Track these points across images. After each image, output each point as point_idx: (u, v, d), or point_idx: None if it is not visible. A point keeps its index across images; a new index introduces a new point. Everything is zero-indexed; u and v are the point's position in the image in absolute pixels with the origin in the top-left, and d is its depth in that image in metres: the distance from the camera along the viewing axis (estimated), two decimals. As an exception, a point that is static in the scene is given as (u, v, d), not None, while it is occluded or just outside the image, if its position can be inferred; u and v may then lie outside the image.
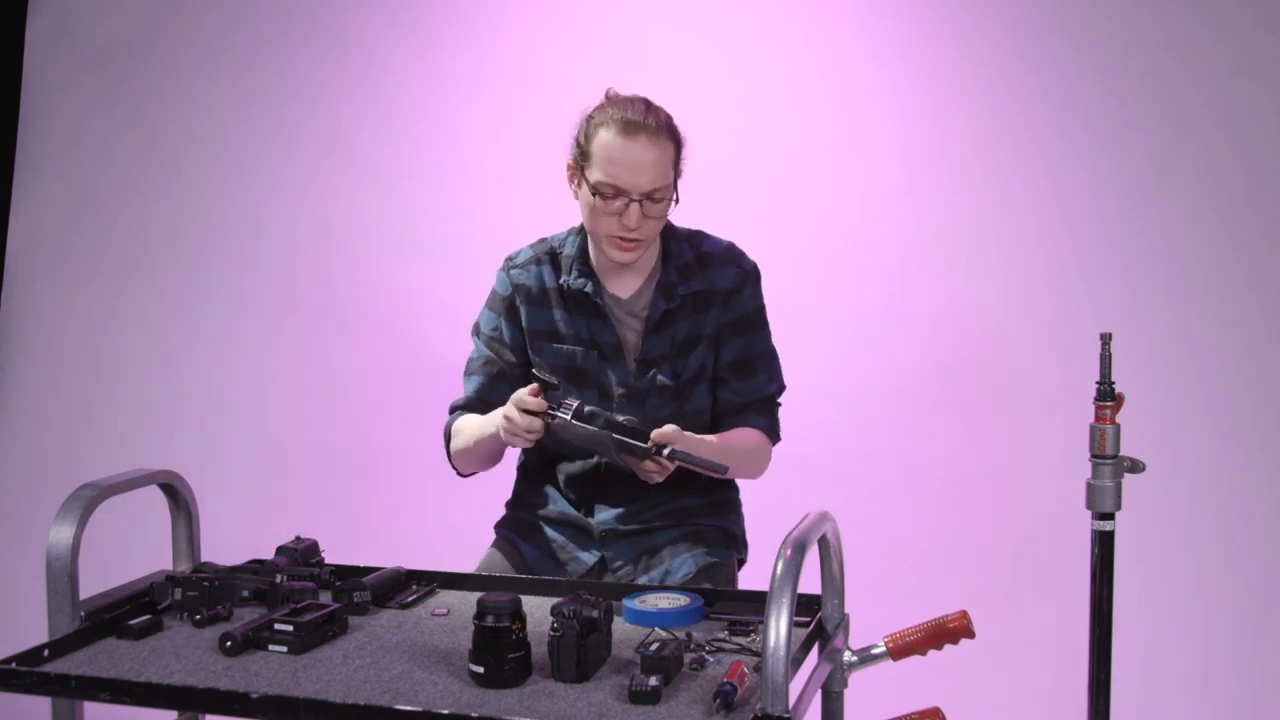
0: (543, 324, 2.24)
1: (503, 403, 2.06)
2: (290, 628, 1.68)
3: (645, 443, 1.96)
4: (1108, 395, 1.95)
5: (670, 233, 2.24)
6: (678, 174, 2.16)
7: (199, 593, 1.84)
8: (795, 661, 1.52)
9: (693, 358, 2.21)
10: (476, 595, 1.67)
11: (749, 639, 1.73)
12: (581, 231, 2.25)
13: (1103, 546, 1.98)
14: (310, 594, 1.86)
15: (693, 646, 1.69)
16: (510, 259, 2.29)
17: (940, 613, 1.73)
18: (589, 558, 2.24)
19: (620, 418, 1.97)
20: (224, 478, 3.45)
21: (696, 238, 2.27)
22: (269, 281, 3.64)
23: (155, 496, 2.02)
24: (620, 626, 1.76)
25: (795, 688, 1.45)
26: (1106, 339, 1.96)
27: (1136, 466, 1.96)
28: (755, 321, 2.25)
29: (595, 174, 2.10)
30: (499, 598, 1.56)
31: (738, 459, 2.12)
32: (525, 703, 1.49)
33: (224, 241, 3.69)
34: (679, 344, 2.20)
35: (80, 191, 3.83)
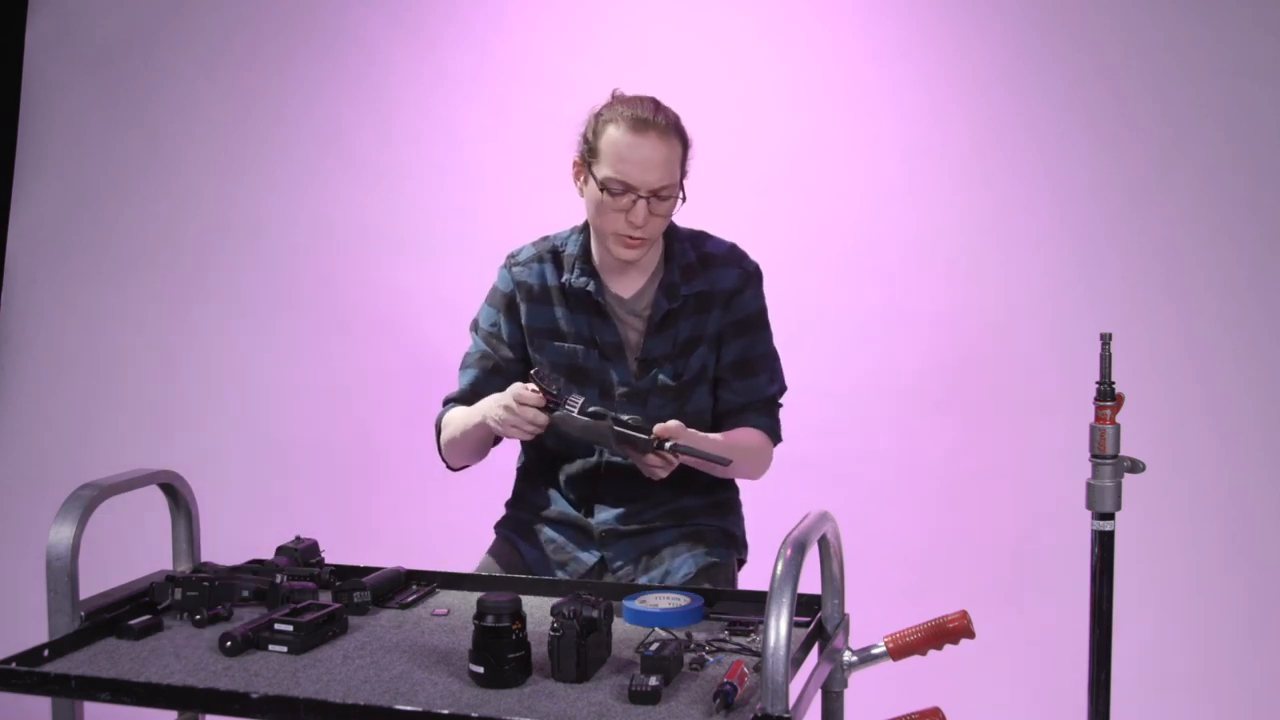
0: (544, 322, 2.24)
1: None
2: (290, 628, 1.68)
3: (646, 436, 1.96)
4: (1108, 395, 1.95)
5: (673, 233, 2.24)
6: (684, 174, 2.16)
7: (199, 593, 1.84)
8: (795, 661, 1.52)
9: (694, 358, 2.21)
10: (476, 595, 1.67)
11: (749, 639, 1.73)
12: (584, 230, 2.25)
13: (1103, 546, 1.98)
14: (310, 594, 1.86)
15: (693, 646, 1.69)
16: (512, 256, 2.29)
17: (940, 613, 1.73)
18: (589, 558, 2.24)
19: (624, 417, 1.97)
20: (224, 478, 3.45)
21: (699, 238, 2.27)
22: (269, 281, 3.64)
23: (155, 496, 2.02)
24: (620, 626, 1.76)
25: (795, 688, 1.45)
26: (1106, 339, 1.96)
27: (1136, 466, 1.96)
28: (757, 322, 2.25)
29: (603, 170, 2.10)
30: (499, 598, 1.56)
31: (740, 457, 2.12)
32: (525, 703, 1.49)
33: (224, 241, 3.69)
34: (680, 344, 2.20)
35: (80, 191, 3.83)
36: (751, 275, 2.24)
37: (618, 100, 2.15)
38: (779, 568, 1.42)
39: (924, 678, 2.56)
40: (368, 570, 2.00)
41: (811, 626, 1.70)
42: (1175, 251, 3.06)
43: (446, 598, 1.97)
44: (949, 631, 1.71)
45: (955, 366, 3.16)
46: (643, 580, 2.20)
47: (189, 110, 3.73)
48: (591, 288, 2.20)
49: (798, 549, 1.46)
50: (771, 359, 2.28)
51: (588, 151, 2.14)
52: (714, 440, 2.10)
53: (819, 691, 1.69)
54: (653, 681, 1.49)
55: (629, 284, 2.22)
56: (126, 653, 1.70)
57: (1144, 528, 2.75)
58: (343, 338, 3.58)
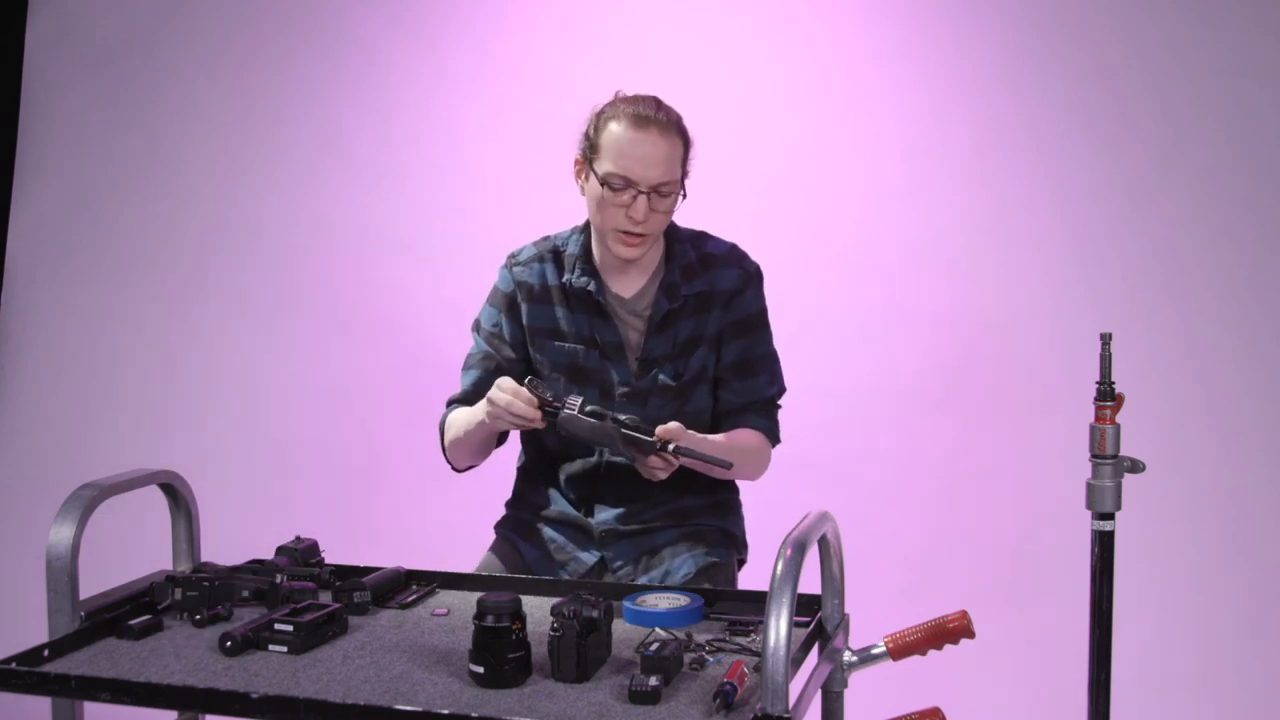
0: (544, 321, 2.24)
1: None
2: (290, 628, 1.68)
3: (650, 437, 1.96)
4: (1108, 395, 1.95)
5: (674, 234, 2.25)
6: (685, 173, 2.16)
7: (199, 593, 1.84)
8: (795, 661, 1.52)
9: (694, 358, 2.21)
10: (476, 595, 1.67)
11: (749, 639, 1.73)
12: (585, 230, 2.26)
13: (1103, 546, 1.98)
14: (310, 594, 1.86)
15: (693, 646, 1.69)
16: (513, 256, 2.30)
17: (940, 613, 1.73)
18: (589, 558, 2.24)
19: (622, 417, 1.97)
20: (224, 478, 3.45)
21: (700, 239, 2.27)
22: (269, 281, 3.64)
23: (155, 496, 2.02)
24: (620, 626, 1.76)
25: (795, 688, 1.45)
26: (1106, 339, 1.96)
27: (1136, 466, 1.96)
28: (757, 323, 2.25)
29: (605, 165, 2.10)
30: (499, 598, 1.56)
31: (740, 459, 2.12)
32: (525, 703, 1.49)
33: (224, 241, 3.69)
34: (681, 344, 2.21)
35: (80, 191, 3.83)
36: (752, 276, 2.24)
37: (620, 99, 2.16)
38: (779, 568, 1.42)
39: (924, 678, 2.56)
40: (368, 570, 2.00)
41: (811, 626, 1.70)
42: (1175, 251, 3.06)
43: (446, 598, 1.97)
44: (949, 631, 1.71)
45: (955, 366, 3.16)
46: (643, 580, 2.20)
47: (189, 110, 3.73)
48: (592, 287, 2.20)
49: (798, 549, 1.46)
50: (771, 360, 2.28)
51: (589, 148, 2.15)
52: (714, 442, 2.10)
53: (819, 691, 1.69)
54: (653, 681, 1.49)
55: (630, 284, 2.23)
56: (126, 653, 1.70)
57: (1144, 528, 2.75)
58: (343, 338, 3.58)
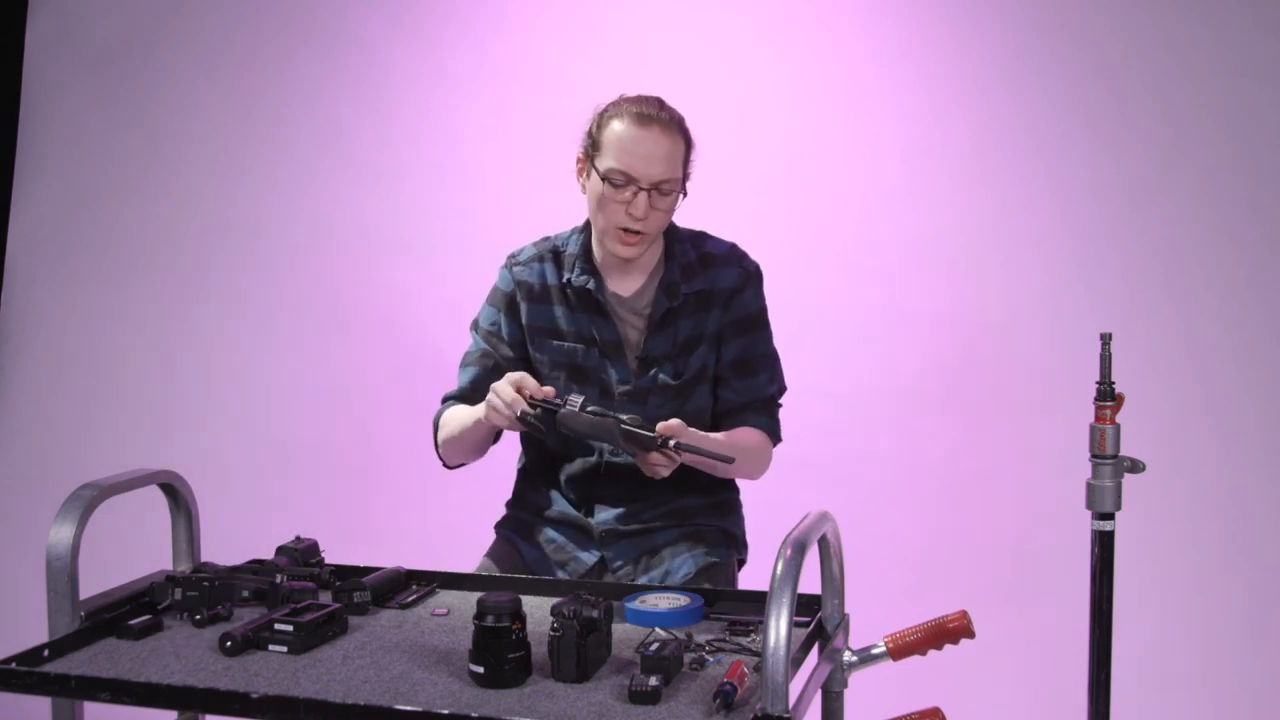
0: (544, 320, 2.24)
1: None
2: (290, 628, 1.68)
3: (651, 433, 1.96)
4: (1108, 395, 1.95)
5: (673, 233, 2.25)
6: (686, 174, 2.17)
7: (199, 593, 1.84)
8: (795, 661, 1.52)
9: (694, 357, 2.21)
10: (476, 595, 1.67)
11: (749, 639, 1.73)
12: (585, 230, 2.26)
13: (1103, 546, 1.98)
14: (310, 594, 1.86)
15: (693, 646, 1.69)
16: (513, 256, 2.30)
17: (940, 613, 1.73)
18: (589, 558, 2.24)
19: (623, 416, 1.97)
20: (224, 478, 3.45)
21: (699, 238, 2.27)
22: (269, 281, 3.64)
23: (155, 496, 2.02)
24: (620, 626, 1.76)
25: (795, 688, 1.45)
26: (1106, 339, 1.96)
27: (1136, 466, 1.96)
28: (757, 322, 2.25)
29: (606, 162, 2.11)
30: (499, 598, 1.56)
31: (741, 456, 2.12)
32: (525, 703, 1.49)
33: (224, 241, 3.69)
34: (680, 343, 2.21)
35: (80, 191, 3.83)
36: (752, 275, 2.25)
37: (623, 99, 2.17)
38: (779, 568, 1.42)
39: (924, 678, 2.56)
40: (368, 570, 2.00)
41: (811, 626, 1.70)
42: (1175, 251, 3.06)
43: (446, 598, 1.97)
44: (949, 631, 1.71)
45: (955, 366, 3.16)
46: (643, 580, 2.20)
47: (189, 110, 3.73)
48: (592, 286, 2.20)
49: (798, 549, 1.46)
50: (771, 359, 2.28)
51: (591, 145, 2.15)
52: (715, 439, 2.10)
53: (819, 691, 1.69)
54: (653, 681, 1.49)
55: (629, 283, 2.23)
56: (126, 653, 1.70)
57: (1144, 528, 2.75)
58: (343, 338, 3.58)
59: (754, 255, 2.27)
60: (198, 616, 1.80)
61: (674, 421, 1.99)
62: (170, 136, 3.75)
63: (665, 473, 2.02)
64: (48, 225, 3.86)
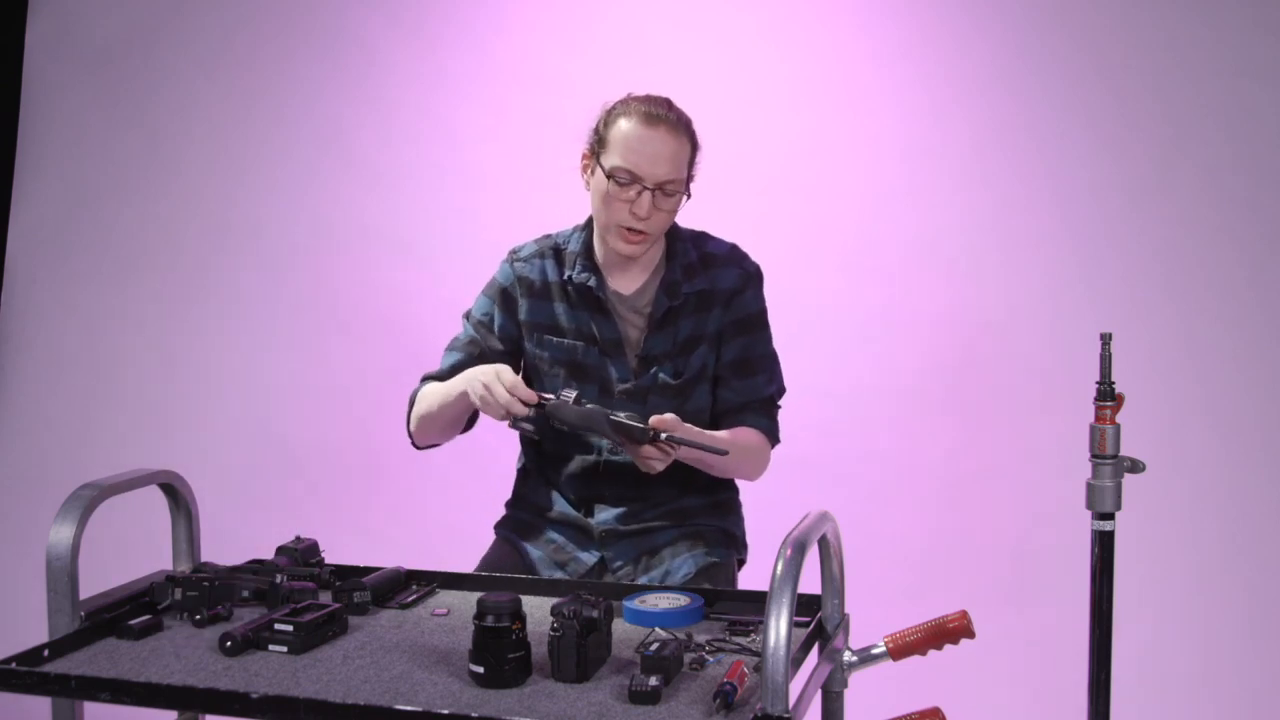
0: (544, 317, 2.24)
1: None
2: (290, 628, 1.68)
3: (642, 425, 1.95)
4: (1108, 395, 1.95)
5: (675, 233, 2.25)
6: (691, 176, 2.17)
7: (199, 593, 1.84)
8: (795, 661, 1.52)
9: (694, 357, 2.21)
10: (476, 595, 1.67)
11: (749, 639, 1.73)
12: (586, 228, 2.26)
13: (1103, 546, 1.98)
14: (310, 594, 1.86)
15: (693, 646, 1.69)
16: (514, 251, 2.30)
17: (940, 613, 1.73)
18: (589, 558, 2.24)
19: (621, 414, 1.96)
20: (224, 478, 3.45)
21: (700, 239, 2.27)
22: (269, 281, 3.64)
23: (155, 496, 2.02)
24: (620, 626, 1.76)
25: (795, 688, 1.45)
26: (1106, 339, 1.96)
27: (1136, 466, 1.96)
28: (757, 323, 2.25)
29: (612, 160, 2.11)
30: (499, 598, 1.56)
31: (739, 455, 2.12)
32: (525, 703, 1.49)
33: (224, 241, 3.69)
34: (681, 342, 2.21)
35: (80, 191, 3.83)
36: (752, 276, 2.25)
37: (632, 98, 2.17)
38: (779, 568, 1.42)
39: (924, 678, 2.56)
40: (368, 570, 2.00)
41: (811, 626, 1.70)
42: (1175, 251, 3.06)
43: (446, 598, 1.97)
44: (949, 631, 1.71)
45: (955, 366, 3.16)
46: (643, 580, 2.20)
47: (189, 110, 3.73)
48: (593, 283, 2.20)
49: (798, 549, 1.46)
50: (771, 360, 2.28)
51: (597, 142, 2.15)
52: (711, 435, 2.10)
53: (819, 691, 1.69)
54: (653, 681, 1.49)
55: (630, 281, 2.23)
56: (126, 653, 1.70)
57: (1144, 528, 2.75)
58: (343, 338, 3.58)
59: (754, 255, 2.27)
60: (198, 616, 1.80)
61: (668, 415, 1.97)
62: (170, 136, 3.75)
63: (659, 466, 2.00)
64: (48, 225, 3.86)
